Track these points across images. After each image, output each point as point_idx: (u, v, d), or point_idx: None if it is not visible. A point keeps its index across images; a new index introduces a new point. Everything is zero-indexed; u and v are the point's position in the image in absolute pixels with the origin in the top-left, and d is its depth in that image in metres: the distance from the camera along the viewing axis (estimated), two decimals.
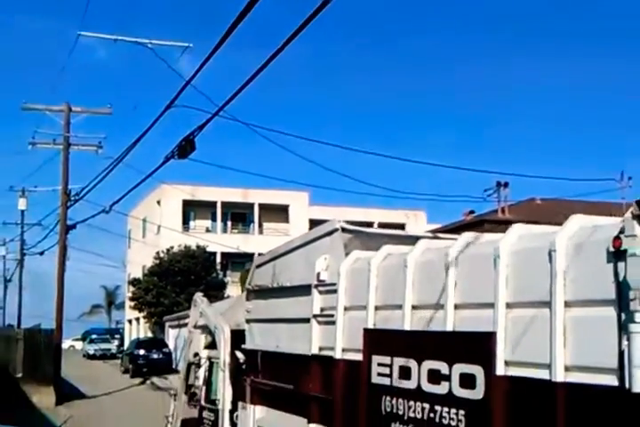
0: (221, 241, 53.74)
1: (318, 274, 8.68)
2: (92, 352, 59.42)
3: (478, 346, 6.21)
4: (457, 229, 27.74)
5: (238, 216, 64.25)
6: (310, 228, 63.79)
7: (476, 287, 6.43)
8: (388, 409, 7.22)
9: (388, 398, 7.24)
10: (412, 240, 8.28)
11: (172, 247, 53.90)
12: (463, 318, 6.59)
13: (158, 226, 56.25)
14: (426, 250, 7.30)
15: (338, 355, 8.16)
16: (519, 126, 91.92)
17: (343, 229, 8.71)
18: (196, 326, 13.38)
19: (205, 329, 13.20)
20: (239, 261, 59.55)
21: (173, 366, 45.55)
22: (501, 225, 22.92)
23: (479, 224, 26.08)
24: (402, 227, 63.72)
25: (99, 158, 35.35)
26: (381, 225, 63.65)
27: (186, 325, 44.92)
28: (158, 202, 61.77)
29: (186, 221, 62.62)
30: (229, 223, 64.62)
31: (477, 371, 6.18)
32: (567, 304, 5.51)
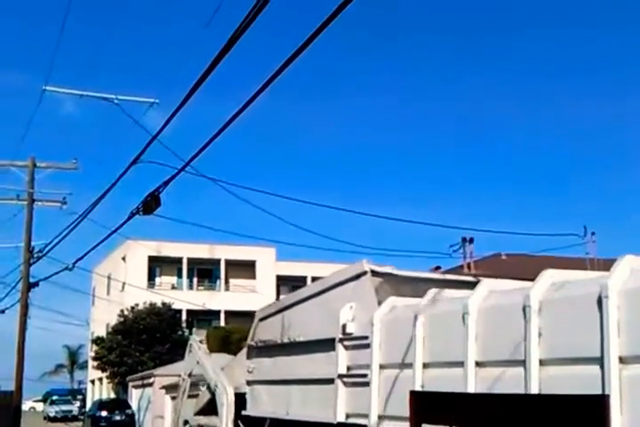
0: (187, 298, 51.64)
1: (344, 326, 7.20)
2: (52, 414, 56.26)
3: (585, 413, 4.75)
4: None
5: (204, 272, 62.07)
6: (278, 284, 62.19)
7: (572, 337, 5.02)
8: None
9: None
10: (450, 284, 6.91)
11: (136, 305, 51.60)
12: (553, 376, 5.15)
13: (123, 283, 53.94)
14: (490, 293, 5.88)
15: (372, 423, 6.63)
16: (482, 183, 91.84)
17: (373, 273, 7.27)
18: (190, 375, 11.51)
19: (198, 386, 11.42)
20: (205, 318, 57.41)
21: None
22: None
23: None
24: None
25: (63, 214, 33.57)
26: None
27: (150, 385, 42.40)
28: (123, 258, 59.53)
29: (151, 278, 60.28)
30: (195, 280, 62.32)
31: None
32: None
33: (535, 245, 46.67)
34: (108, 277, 56.41)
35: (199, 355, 10.97)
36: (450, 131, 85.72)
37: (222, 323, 56.52)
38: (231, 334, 49.99)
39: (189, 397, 11.67)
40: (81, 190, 40.29)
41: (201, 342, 11.58)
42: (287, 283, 62.35)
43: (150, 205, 13.89)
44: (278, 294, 61.13)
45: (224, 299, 58.00)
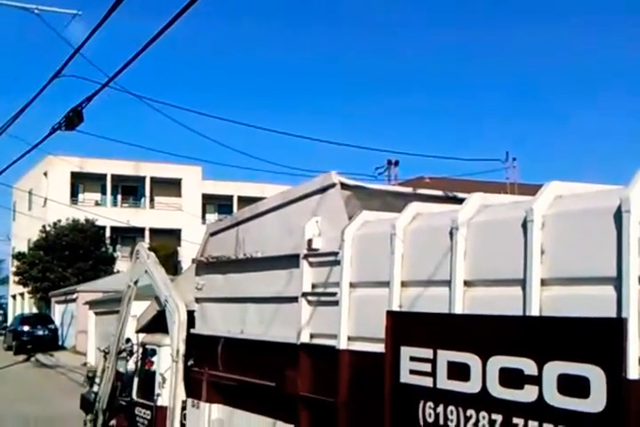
0: (111, 215, 50.39)
1: (310, 241, 6.56)
2: None
3: (596, 338, 4.27)
4: None
5: (129, 189, 60.50)
6: (203, 203, 61.22)
7: (580, 255, 4.49)
8: (430, 419, 5.22)
9: (430, 403, 5.24)
10: (422, 199, 6.34)
11: (59, 221, 50.23)
12: (555, 297, 4.63)
13: (45, 198, 52.30)
14: (483, 207, 5.30)
15: (342, 344, 6.08)
16: (410, 104, 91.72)
17: (342, 185, 6.62)
18: (136, 283, 10.52)
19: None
20: (129, 235, 56.38)
21: (59, 343, 42.52)
22: None
23: None
24: None
25: None
26: None
27: (73, 300, 41.39)
28: (45, 174, 57.48)
29: (74, 194, 58.50)
30: (119, 197, 60.75)
31: (594, 374, 4.24)
32: None
33: (460, 170, 46.80)
34: (30, 193, 54.60)
35: (148, 264, 10.05)
36: (371, 53, 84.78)
37: (147, 240, 55.60)
38: (156, 252, 49.33)
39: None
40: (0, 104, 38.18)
41: (150, 249, 10.63)
42: (213, 202, 61.58)
43: (73, 120, 13.53)
44: (204, 212, 60.36)
45: (149, 216, 57.02)
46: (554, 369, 4.44)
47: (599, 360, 4.21)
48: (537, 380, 4.52)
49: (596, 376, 4.21)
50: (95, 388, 11.17)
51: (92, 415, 10.86)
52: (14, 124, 18.51)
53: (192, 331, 8.56)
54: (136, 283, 10.36)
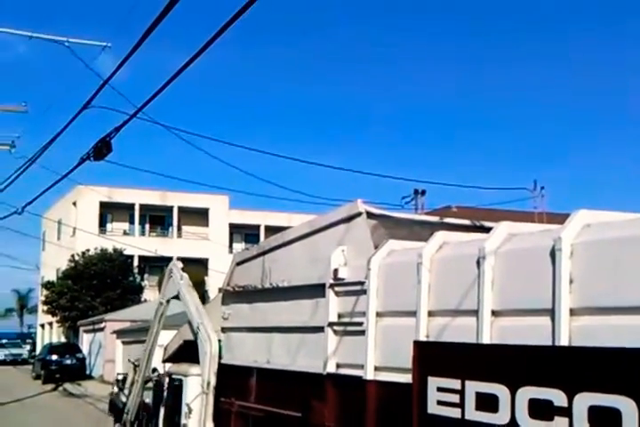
0: (139, 244, 50.61)
1: (336, 271, 6.54)
2: (2, 358, 55.22)
3: (627, 369, 4.19)
4: None
5: (157, 219, 60.85)
6: (230, 232, 61.38)
7: (610, 284, 4.43)
8: None
9: None
10: (449, 228, 6.29)
11: (87, 250, 50.54)
12: (585, 327, 4.57)
13: (74, 228, 52.70)
14: (511, 236, 5.25)
15: (369, 375, 6.03)
16: (437, 134, 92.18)
17: (368, 214, 6.60)
18: (169, 302, 10.32)
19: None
20: (157, 264, 56.54)
21: (87, 372, 42.57)
22: None
23: None
24: None
25: (12, 158, 32.23)
26: None
27: (101, 329, 41.39)
28: (74, 203, 58.02)
29: (103, 224, 58.94)
30: (147, 226, 61.11)
31: (625, 405, 4.15)
32: None
33: (488, 199, 46.70)
34: (59, 223, 55.08)
35: (182, 285, 9.70)
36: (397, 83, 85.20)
37: None
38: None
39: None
40: (31, 134, 38.77)
41: (183, 270, 10.19)
42: (240, 231, 61.74)
43: (101, 150, 13.72)
44: (231, 242, 60.49)
45: (176, 246, 57.17)
46: (584, 401, 4.36)
47: (631, 392, 4.13)
48: (567, 411, 4.44)
49: (628, 408, 4.13)
50: (123, 398, 11.15)
51: (121, 426, 10.91)
52: (44, 154, 18.79)
53: (221, 361, 8.52)
54: (168, 302, 10.22)
